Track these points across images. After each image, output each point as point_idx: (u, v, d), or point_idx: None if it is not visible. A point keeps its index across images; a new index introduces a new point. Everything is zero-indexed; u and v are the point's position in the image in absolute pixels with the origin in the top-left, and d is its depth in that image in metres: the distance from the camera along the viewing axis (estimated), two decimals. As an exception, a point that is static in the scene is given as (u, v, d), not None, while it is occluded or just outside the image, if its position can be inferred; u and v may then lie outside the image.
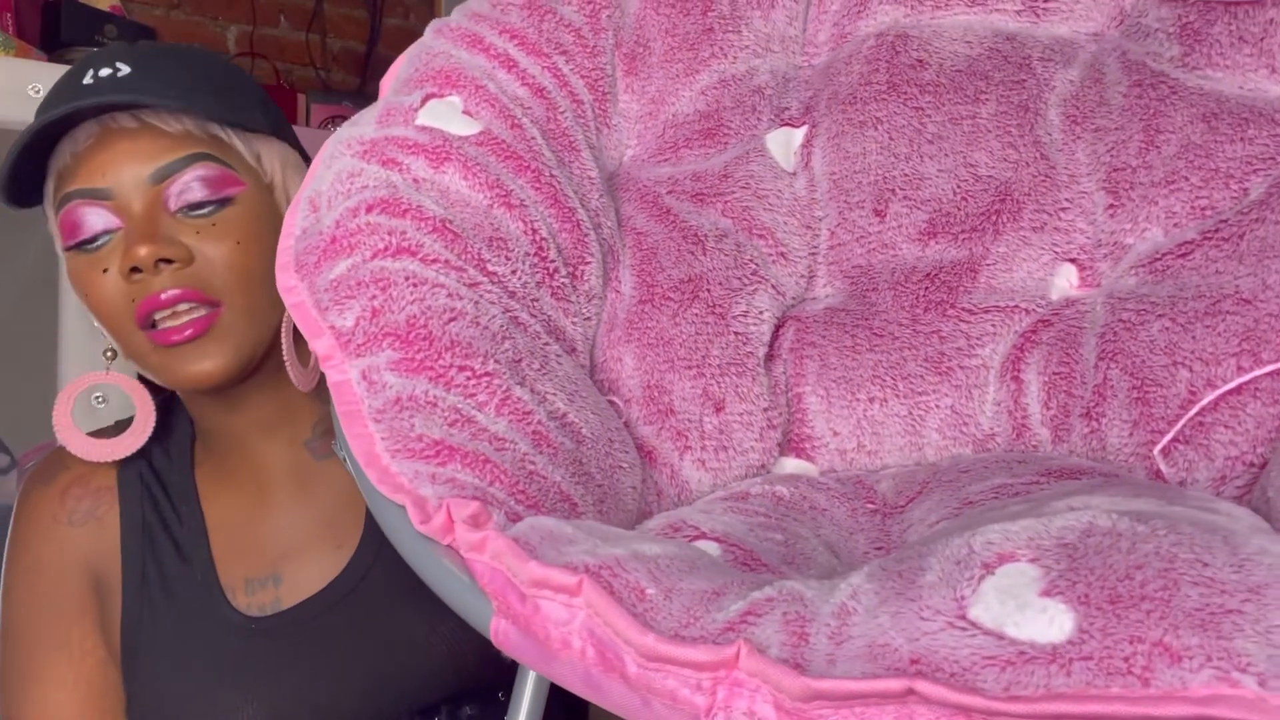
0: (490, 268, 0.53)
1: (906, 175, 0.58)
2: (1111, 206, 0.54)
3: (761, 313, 0.59)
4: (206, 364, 0.67)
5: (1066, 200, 0.56)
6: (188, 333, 0.67)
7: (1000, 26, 0.61)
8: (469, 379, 0.47)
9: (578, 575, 0.35)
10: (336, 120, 1.91)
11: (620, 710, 0.34)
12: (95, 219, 0.68)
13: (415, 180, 0.54)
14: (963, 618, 0.31)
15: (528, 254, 0.55)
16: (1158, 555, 0.30)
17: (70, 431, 0.73)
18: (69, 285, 0.91)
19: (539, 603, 0.35)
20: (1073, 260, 0.56)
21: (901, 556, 0.35)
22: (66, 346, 1.21)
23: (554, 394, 0.50)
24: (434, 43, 0.61)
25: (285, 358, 0.68)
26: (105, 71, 0.69)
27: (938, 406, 0.55)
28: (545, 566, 0.35)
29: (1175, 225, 0.51)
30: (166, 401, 0.79)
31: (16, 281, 1.40)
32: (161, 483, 0.76)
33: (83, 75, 0.69)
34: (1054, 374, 0.53)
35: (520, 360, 0.49)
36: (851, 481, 0.55)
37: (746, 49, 0.64)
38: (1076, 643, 0.29)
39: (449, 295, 0.49)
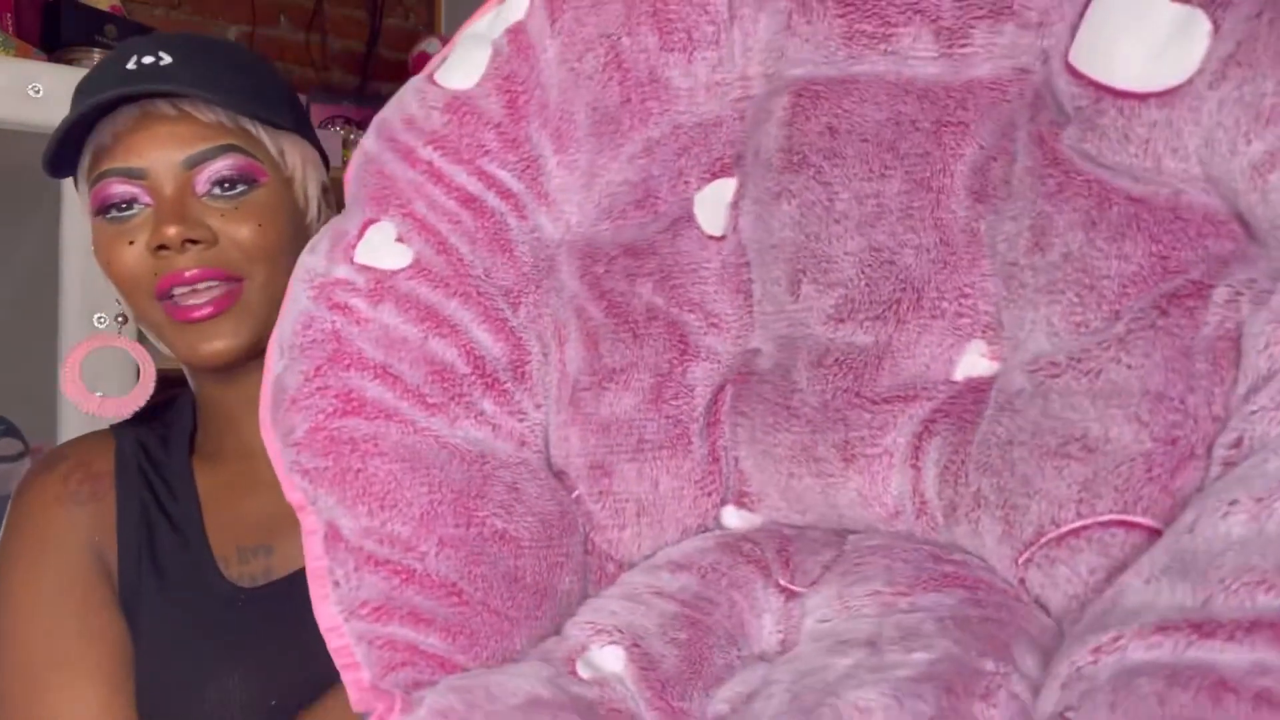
0: (430, 400, 0.60)
1: (815, 256, 0.59)
2: (1006, 299, 0.54)
3: (693, 389, 0.63)
4: (219, 343, 0.74)
5: (968, 285, 0.56)
6: (207, 310, 0.73)
7: (916, 75, 0.58)
8: (411, 533, 0.56)
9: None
10: (336, 120, 1.90)
11: None
12: (126, 193, 0.74)
13: (358, 321, 0.61)
14: None
15: (466, 374, 0.61)
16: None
17: (80, 390, 0.80)
18: (69, 284, 0.99)
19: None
20: (982, 336, 0.57)
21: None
22: (66, 343, 1.23)
23: (494, 515, 0.59)
24: (375, 149, 0.65)
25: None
26: (148, 59, 0.75)
27: (846, 489, 0.59)
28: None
29: (1054, 336, 0.51)
30: (171, 399, 0.87)
31: (16, 279, 1.43)
32: (155, 465, 0.81)
33: (126, 60, 0.75)
34: (944, 468, 0.56)
35: (458, 497, 0.58)
36: (776, 547, 0.61)
37: (667, 111, 0.64)
38: None
39: (389, 456, 0.57)
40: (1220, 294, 0.45)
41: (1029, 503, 0.50)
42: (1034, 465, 0.50)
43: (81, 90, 0.76)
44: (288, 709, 0.70)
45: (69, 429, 1.17)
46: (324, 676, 0.69)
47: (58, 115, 0.73)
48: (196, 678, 0.72)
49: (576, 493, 0.65)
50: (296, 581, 0.72)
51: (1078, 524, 0.48)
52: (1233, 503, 0.39)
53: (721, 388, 0.64)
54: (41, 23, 1.59)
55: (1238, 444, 0.41)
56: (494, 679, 0.53)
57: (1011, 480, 0.51)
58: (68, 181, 0.86)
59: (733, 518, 0.65)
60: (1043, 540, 0.50)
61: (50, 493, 0.79)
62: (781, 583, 0.59)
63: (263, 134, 0.77)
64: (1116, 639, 0.39)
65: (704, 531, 0.65)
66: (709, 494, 0.64)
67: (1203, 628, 0.36)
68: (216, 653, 0.73)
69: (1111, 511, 0.47)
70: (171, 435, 0.84)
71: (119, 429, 0.84)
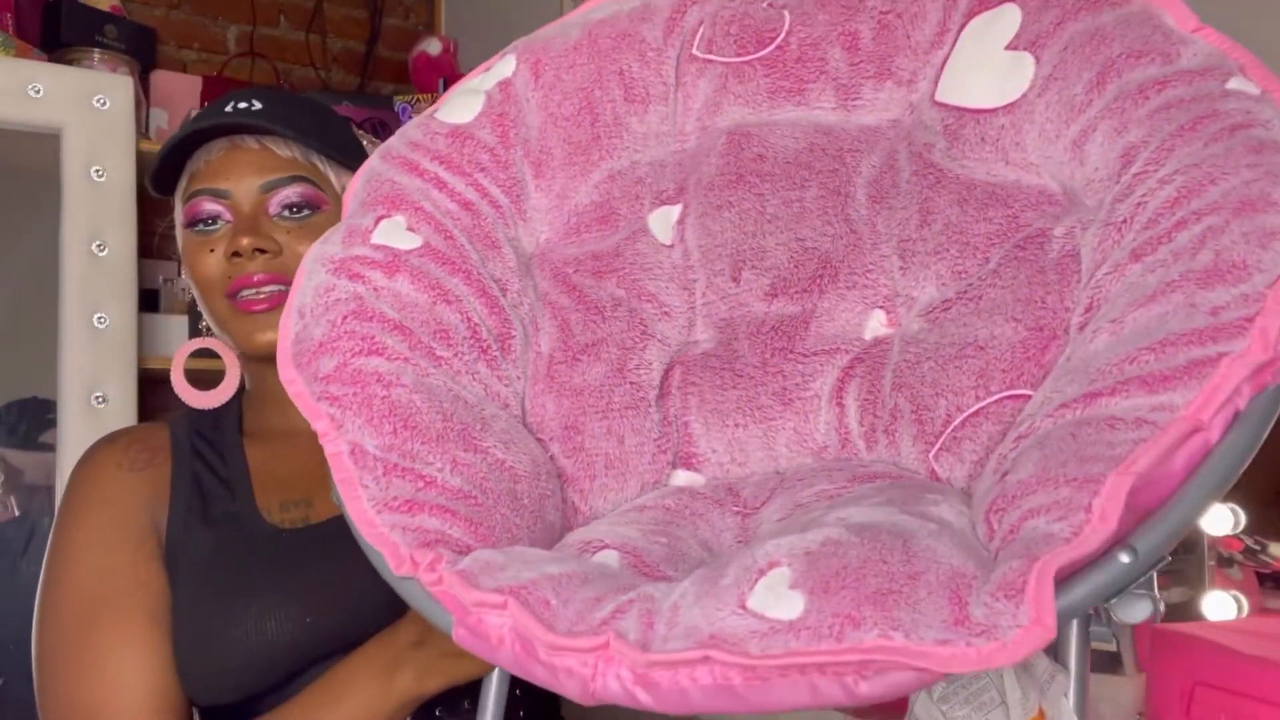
0: (438, 353, 0.70)
1: (753, 249, 0.75)
2: (903, 268, 0.72)
3: (651, 364, 0.76)
4: (271, 334, 0.88)
5: (871, 264, 0.73)
6: (264, 304, 0.89)
7: (820, 120, 0.77)
8: (429, 451, 0.64)
9: (504, 596, 0.53)
10: (336, 120, 2.02)
11: (539, 681, 0.52)
12: (213, 209, 0.90)
13: (375, 289, 0.71)
14: (742, 607, 0.49)
15: (465, 338, 0.72)
16: (858, 558, 0.48)
17: (183, 385, 0.94)
18: (69, 284, 1.05)
19: (481, 615, 0.53)
20: (882, 307, 0.74)
21: (716, 565, 0.53)
22: (67, 343, 1.24)
23: (495, 447, 0.68)
24: (381, 167, 0.77)
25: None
26: (243, 104, 0.92)
27: (784, 429, 0.73)
28: (481, 592, 0.53)
29: (943, 284, 0.69)
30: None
31: (16, 279, 1.47)
32: (209, 442, 0.94)
33: (226, 104, 0.92)
34: (864, 400, 0.71)
35: (466, 428, 0.67)
36: (725, 489, 0.73)
37: (627, 148, 0.80)
38: (804, 618, 0.47)
39: (409, 388, 0.66)
40: (1059, 231, 0.64)
41: (937, 400, 0.66)
42: (939, 370, 0.66)
43: (188, 125, 0.91)
44: (321, 627, 0.75)
45: (69, 429, 1.17)
46: (357, 602, 0.79)
47: (58, 115, 0.82)
48: (239, 600, 0.79)
49: (550, 453, 0.74)
50: (333, 525, 0.83)
51: (977, 405, 0.64)
52: (1095, 330, 0.56)
53: (671, 367, 0.78)
54: (41, 23, 1.63)
55: (1089, 307, 0.59)
56: (520, 548, 0.61)
57: (922, 387, 0.67)
58: (67, 182, 0.98)
59: (681, 479, 0.77)
60: (950, 428, 0.65)
61: (112, 459, 0.89)
62: (735, 509, 0.71)
63: (328, 170, 0.93)
64: (1031, 425, 0.54)
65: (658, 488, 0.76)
66: (664, 451, 0.75)
67: (1091, 394, 0.52)
68: (257, 578, 0.81)
69: (1002, 390, 0.63)
70: (223, 420, 0.95)
71: (172, 419, 0.94)
